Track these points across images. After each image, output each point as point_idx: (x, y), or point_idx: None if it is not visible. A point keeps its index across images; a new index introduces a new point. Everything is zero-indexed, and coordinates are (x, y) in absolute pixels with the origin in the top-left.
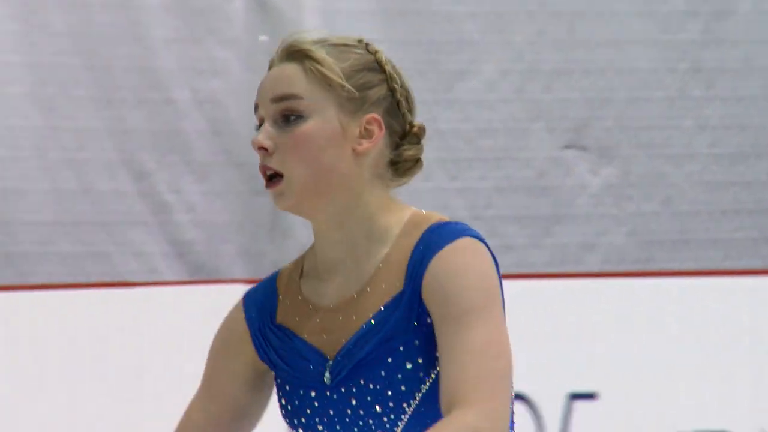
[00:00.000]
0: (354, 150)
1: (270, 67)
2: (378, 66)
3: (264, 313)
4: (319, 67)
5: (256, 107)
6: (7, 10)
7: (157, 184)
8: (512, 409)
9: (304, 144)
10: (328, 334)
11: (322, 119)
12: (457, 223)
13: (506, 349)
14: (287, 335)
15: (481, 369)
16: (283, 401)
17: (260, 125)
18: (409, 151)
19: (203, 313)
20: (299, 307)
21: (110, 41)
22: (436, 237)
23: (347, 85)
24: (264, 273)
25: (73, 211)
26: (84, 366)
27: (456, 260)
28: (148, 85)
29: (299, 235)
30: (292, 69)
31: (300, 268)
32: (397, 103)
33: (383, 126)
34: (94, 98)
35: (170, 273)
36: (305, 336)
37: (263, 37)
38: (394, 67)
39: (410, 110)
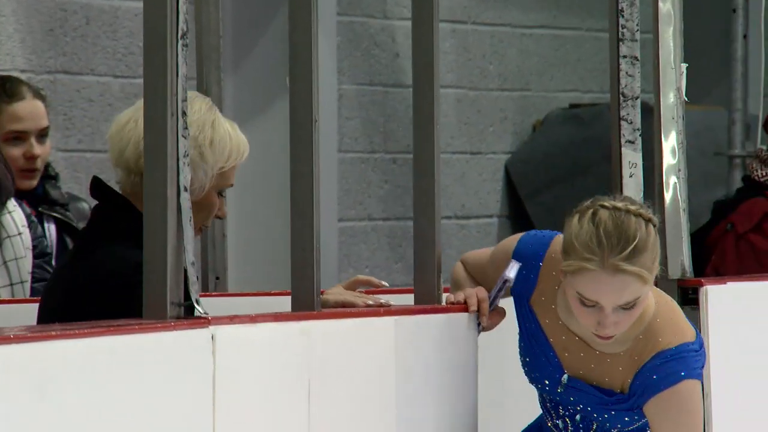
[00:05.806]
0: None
1: (601, 267)
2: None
3: (525, 283)
4: (649, 280)
5: (589, 300)
6: None
7: None
8: None
9: (635, 317)
10: (570, 354)
11: (645, 297)
12: (684, 358)
13: None
14: (535, 323)
15: None
16: (522, 353)
17: (590, 305)
18: None
19: None
20: (551, 312)
21: None
22: (659, 374)
23: (658, 275)
24: None
25: None
26: None
27: (671, 410)
28: None
29: None
30: (633, 281)
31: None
32: None
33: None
34: None
35: None
36: (551, 340)
37: None
38: None
39: None
